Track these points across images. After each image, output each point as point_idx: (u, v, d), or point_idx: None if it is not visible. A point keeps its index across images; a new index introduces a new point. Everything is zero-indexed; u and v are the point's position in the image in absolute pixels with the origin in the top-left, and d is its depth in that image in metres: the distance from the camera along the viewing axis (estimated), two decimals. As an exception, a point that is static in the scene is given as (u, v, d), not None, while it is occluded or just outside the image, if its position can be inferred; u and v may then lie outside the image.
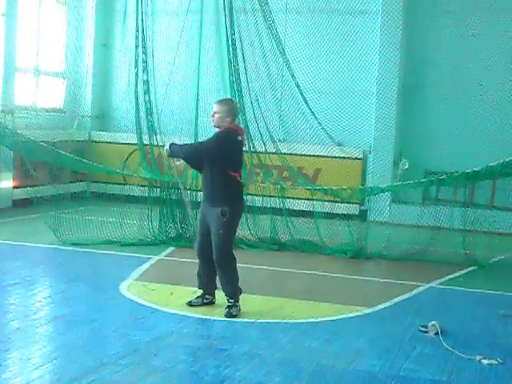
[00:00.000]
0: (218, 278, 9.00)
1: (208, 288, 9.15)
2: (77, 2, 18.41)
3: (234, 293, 8.85)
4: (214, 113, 8.82)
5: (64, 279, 10.28)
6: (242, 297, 8.92)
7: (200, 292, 9.20)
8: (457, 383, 6.90)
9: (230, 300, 8.83)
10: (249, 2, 14.54)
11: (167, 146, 8.93)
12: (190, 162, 9.15)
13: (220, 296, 9.05)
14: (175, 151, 8.91)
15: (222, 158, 8.68)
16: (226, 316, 8.67)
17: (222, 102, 9.07)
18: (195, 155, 8.92)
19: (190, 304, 9.10)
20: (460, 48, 16.96)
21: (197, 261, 9.13)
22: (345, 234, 13.38)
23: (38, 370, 6.57)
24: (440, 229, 13.20)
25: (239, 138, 8.85)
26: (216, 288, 9.15)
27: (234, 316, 8.69)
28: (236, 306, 8.80)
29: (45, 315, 8.59)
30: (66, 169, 14.80)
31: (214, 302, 9.17)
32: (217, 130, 8.92)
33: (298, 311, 9.23)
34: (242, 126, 9.41)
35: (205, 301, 9.15)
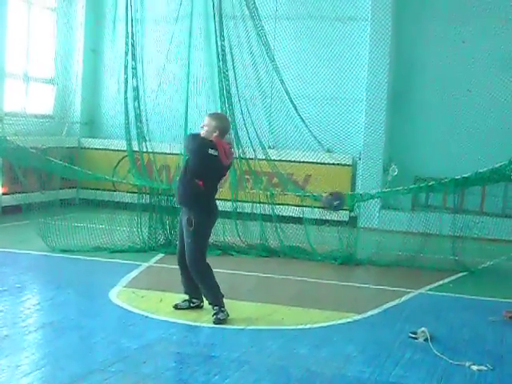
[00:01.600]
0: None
1: (193, 292, 9.14)
2: (66, 8, 18.35)
3: (215, 299, 8.84)
4: (204, 125, 8.82)
5: (53, 286, 10.24)
6: (231, 303, 8.91)
7: (187, 296, 9.22)
8: (446, 389, 6.91)
9: (215, 307, 8.82)
10: (238, 8, 14.52)
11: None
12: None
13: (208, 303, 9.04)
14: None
15: (191, 161, 8.77)
16: (214, 323, 8.65)
17: (212, 116, 9.06)
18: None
19: (177, 307, 9.11)
20: (449, 54, 16.98)
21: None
22: (334, 241, 13.38)
23: (26, 378, 6.54)
24: (430, 235, 13.20)
25: (212, 151, 8.66)
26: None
27: (222, 321, 8.67)
28: (222, 312, 8.77)
29: (33, 322, 8.55)
30: (56, 175, 14.76)
31: (202, 306, 9.17)
32: None
33: (288, 318, 9.22)
34: (228, 141, 9.38)
35: (192, 305, 9.17)
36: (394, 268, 12.65)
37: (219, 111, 13.65)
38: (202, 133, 8.83)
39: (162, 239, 13.39)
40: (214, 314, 8.76)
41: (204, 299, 9.16)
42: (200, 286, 8.94)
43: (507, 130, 16.15)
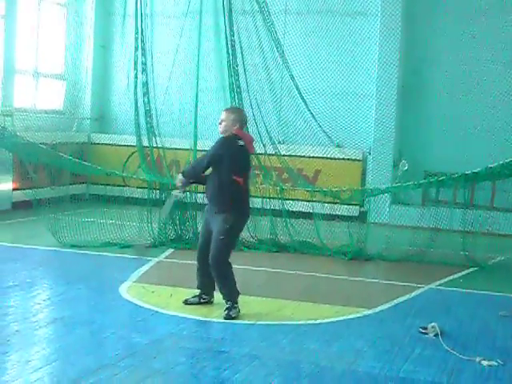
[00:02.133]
0: (215, 280, 8.96)
1: (206, 288, 9.15)
2: (76, 3, 18.42)
3: (230, 295, 8.82)
4: (221, 120, 8.84)
5: (63, 281, 10.27)
6: (241, 298, 8.88)
7: (198, 291, 9.22)
8: (457, 385, 6.90)
9: (228, 302, 8.79)
10: (248, 3, 14.53)
11: (180, 177, 8.97)
12: (197, 173, 9.05)
13: (219, 298, 9.03)
14: (189, 172, 9.02)
15: (224, 162, 8.69)
16: (225, 318, 8.64)
17: (229, 110, 9.19)
18: (201, 165, 8.90)
19: (186, 302, 9.12)
20: (459, 49, 16.96)
21: (196, 263, 9.12)
22: (344, 236, 13.37)
23: (36, 373, 6.55)
24: (440, 230, 13.19)
25: (241, 142, 8.81)
26: (214, 289, 9.12)
27: (233, 318, 8.66)
28: (235, 308, 8.76)
29: (44, 317, 8.57)
30: (66, 171, 14.80)
31: (212, 302, 9.17)
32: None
33: (298, 313, 9.22)
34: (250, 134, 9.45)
35: (201, 300, 9.17)
36: (404, 263, 12.63)
37: (229, 106, 13.67)
38: (221, 128, 8.85)
39: (172, 234, 13.41)
40: (227, 309, 8.74)
41: (214, 296, 9.17)
42: (218, 281, 8.87)
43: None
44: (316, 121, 15.32)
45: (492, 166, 12.59)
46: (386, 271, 12.41)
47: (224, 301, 8.85)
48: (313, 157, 17.10)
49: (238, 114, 9.01)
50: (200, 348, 7.61)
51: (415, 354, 7.69)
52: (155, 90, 14.17)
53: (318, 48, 17.74)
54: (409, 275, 11.77)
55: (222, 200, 8.75)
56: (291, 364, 7.24)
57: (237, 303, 8.81)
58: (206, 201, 9.28)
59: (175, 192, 9.42)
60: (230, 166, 8.71)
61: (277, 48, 14.62)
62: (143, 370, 6.81)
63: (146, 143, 14.17)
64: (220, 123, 8.87)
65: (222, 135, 8.94)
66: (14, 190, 16.00)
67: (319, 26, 17.68)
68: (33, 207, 13.53)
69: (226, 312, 8.71)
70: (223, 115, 8.88)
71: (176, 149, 15.05)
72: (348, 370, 7.14)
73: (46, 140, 15.04)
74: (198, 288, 9.22)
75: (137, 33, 14.21)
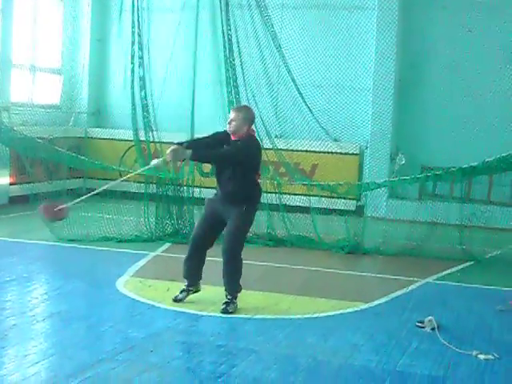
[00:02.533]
0: (223, 273, 8.86)
1: (193, 278, 9.07)
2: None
3: (234, 289, 8.82)
4: (231, 120, 8.82)
5: (60, 276, 10.28)
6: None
7: (183, 286, 9.14)
8: (453, 378, 6.89)
9: (229, 296, 8.79)
10: (245, -3, 14.53)
11: (185, 153, 8.71)
12: (215, 163, 9.27)
13: (215, 292, 9.04)
14: (203, 156, 8.96)
15: (250, 163, 8.85)
16: (222, 312, 8.64)
17: (239, 109, 9.24)
18: (225, 161, 8.89)
19: (176, 300, 9.01)
20: (457, 43, 16.94)
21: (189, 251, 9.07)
22: (341, 230, 13.38)
23: (34, 367, 6.56)
24: (437, 224, 13.20)
25: (259, 147, 9.07)
26: (201, 279, 9.10)
27: (231, 313, 8.66)
28: (233, 303, 8.77)
29: (41, 312, 8.57)
30: (63, 165, 14.80)
31: (200, 290, 9.13)
32: (232, 136, 8.88)
33: (295, 307, 9.24)
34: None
35: (190, 292, 9.10)
36: (400, 257, 12.64)
37: (226, 100, 13.70)
38: (231, 127, 8.81)
39: (169, 229, 13.41)
40: (225, 303, 8.75)
41: (200, 284, 9.14)
42: (229, 273, 8.80)
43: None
44: (313, 115, 15.33)
45: (489, 160, 12.59)
46: (383, 265, 12.41)
47: (225, 294, 8.84)
48: (310, 151, 17.10)
49: (247, 113, 9.00)
50: (197, 342, 7.63)
51: (412, 348, 7.70)
52: (152, 85, 14.15)
53: (315, 42, 17.71)
54: (406, 269, 11.78)
55: (243, 195, 8.82)
56: (288, 358, 7.25)
57: (236, 298, 8.82)
58: (214, 193, 9.23)
59: (156, 162, 9.16)
60: (254, 166, 8.94)
61: (274, 42, 14.60)
62: (140, 364, 6.81)
63: (143, 137, 14.16)
64: (230, 123, 8.83)
65: (232, 134, 8.88)
66: (10, 184, 15.98)
67: (316, 20, 17.64)
68: (30, 202, 13.51)
69: (224, 306, 8.71)
70: (233, 115, 8.84)
71: (173, 143, 14.99)
72: (345, 363, 7.15)
73: (43, 134, 15.04)
74: (187, 278, 9.09)
75: (133, 27, 14.19)
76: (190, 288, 9.10)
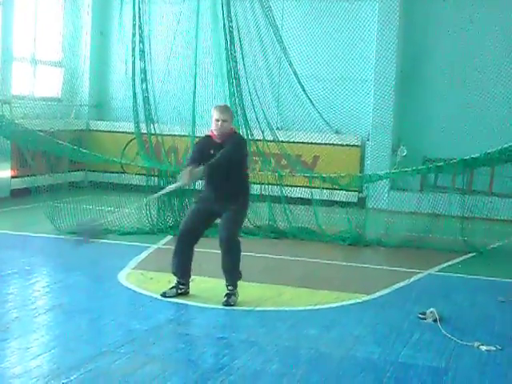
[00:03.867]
0: (224, 263, 8.80)
1: (183, 274, 9.00)
2: (73, -10, 18.37)
3: (235, 278, 8.80)
4: (223, 121, 8.77)
5: (62, 269, 10.30)
6: (240, 284, 8.82)
7: (173, 283, 9.07)
8: (455, 369, 6.89)
9: (230, 288, 8.77)
10: (246, -12, 14.52)
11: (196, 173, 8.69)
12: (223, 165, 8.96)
13: (217, 284, 9.04)
14: (214, 165, 8.69)
15: (245, 158, 9.14)
16: (224, 305, 8.64)
17: (226, 108, 9.21)
18: (231, 158, 8.74)
19: (165, 295, 8.89)
20: (458, 34, 16.93)
21: (194, 249, 9.04)
22: (343, 222, 13.39)
23: (36, 360, 6.57)
24: (438, 216, 13.21)
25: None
26: (190, 276, 9.05)
27: (233, 305, 8.66)
28: (235, 295, 8.75)
29: (43, 305, 8.58)
30: (64, 158, 14.79)
31: (188, 292, 9.03)
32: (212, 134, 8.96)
33: (297, 299, 9.24)
34: None
35: (179, 291, 8.97)
36: (402, 249, 12.64)
37: (227, 92, 13.70)
38: (222, 128, 8.79)
39: (170, 221, 13.41)
40: (227, 295, 8.73)
41: (190, 287, 9.08)
42: (231, 263, 8.75)
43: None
44: (314, 107, 15.33)
45: (490, 151, 12.59)
46: (385, 257, 12.42)
47: (226, 285, 8.82)
48: (311, 143, 17.10)
49: (231, 112, 9.25)
50: (198, 334, 7.63)
51: (414, 340, 7.70)
52: (153, 77, 14.14)
53: (316, 34, 17.70)
54: (407, 261, 11.78)
55: (239, 191, 8.97)
56: (290, 350, 7.25)
57: (236, 287, 8.78)
58: (203, 189, 9.28)
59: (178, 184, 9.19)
60: (246, 163, 9.20)
61: (275, 34, 14.60)
62: (142, 356, 6.82)
63: (144, 130, 14.15)
64: (221, 124, 8.77)
65: (217, 134, 8.87)
66: (12, 177, 16.01)
67: (317, 12, 17.64)
68: (31, 195, 13.54)
69: (226, 299, 8.69)
70: (224, 115, 8.80)
71: (174, 135, 15.03)
72: (347, 355, 7.16)
73: (45, 127, 15.02)
74: (176, 274, 9.00)
75: (134, 19, 14.15)
76: (181, 287, 8.99)
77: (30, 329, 7.57)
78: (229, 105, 13.37)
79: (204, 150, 8.86)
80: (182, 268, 8.98)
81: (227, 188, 8.82)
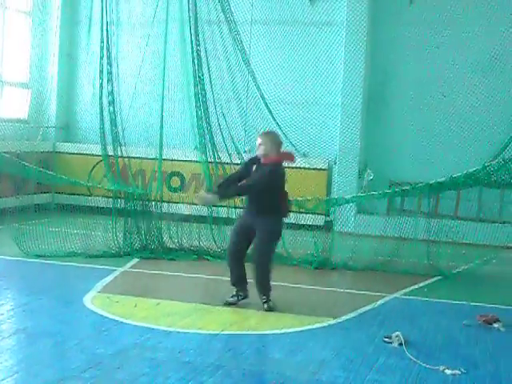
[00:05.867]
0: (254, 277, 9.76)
1: (240, 284, 9.92)
2: (41, 12, 18.30)
3: (267, 289, 9.76)
4: (259, 144, 9.66)
5: (27, 292, 10.19)
6: (206, 308, 9.04)
7: (233, 292, 9.92)
8: (420, 394, 6.92)
9: (263, 297, 9.70)
10: (214, 13, 14.54)
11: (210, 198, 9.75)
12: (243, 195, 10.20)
13: (182, 308, 8.99)
14: (229, 195, 10.36)
15: (272, 188, 9.63)
16: (266, 310, 9.59)
17: (265, 134, 10.03)
18: (249, 191, 9.76)
19: (228, 303, 9.80)
20: (424, 59, 17.11)
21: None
22: (310, 245, 13.40)
23: (-1, 384, 6.51)
24: (404, 239, 13.27)
25: (282, 170, 9.84)
26: (247, 283, 9.93)
27: (272, 308, 9.61)
28: (270, 301, 9.69)
29: (7, 328, 8.48)
30: (31, 180, 14.70)
31: (248, 296, 9.91)
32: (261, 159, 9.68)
33: (263, 323, 9.23)
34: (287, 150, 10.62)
35: (240, 298, 9.90)
36: (369, 272, 12.68)
37: (194, 116, 13.72)
38: (261, 151, 9.63)
39: (137, 244, 13.34)
40: (265, 302, 9.68)
41: (248, 290, 9.94)
42: (260, 275, 9.71)
43: (481, 135, 16.25)
44: (281, 130, 15.32)
45: (456, 175, 12.69)
46: (351, 280, 12.46)
47: (260, 296, 9.71)
48: (279, 166, 17.08)
49: (274, 137, 9.86)
50: (164, 358, 7.58)
51: (379, 363, 7.71)
52: (121, 99, 14.12)
53: (284, 58, 17.81)
54: (374, 284, 11.81)
55: (268, 210, 9.62)
56: (256, 374, 7.24)
57: (270, 296, 9.75)
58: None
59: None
60: (275, 188, 9.68)
61: (242, 57, 14.63)
62: (107, 381, 6.77)
63: (111, 152, 14.11)
64: (258, 147, 9.66)
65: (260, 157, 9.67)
66: (-23, 199, 15.85)
67: (285, 36, 17.76)
68: (-3, 217, 13.44)
69: (266, 305, 9.67)
70: (260, 139, 9.68)
71: (142, 158, 15.01)
72: (312, 379, 7.14)
73: (11, 149, 14.93)
74: (236, 285, 9.92)
75: (102, 41, 14.15)
76: (240, 294, 9.93)
77: (-7, 353, 7.49)
78: (196, 128, 13.49)
79: (250, 165, 9.85)
80: (239, 280, 9.95)
81: (255, 206, 9.69)
